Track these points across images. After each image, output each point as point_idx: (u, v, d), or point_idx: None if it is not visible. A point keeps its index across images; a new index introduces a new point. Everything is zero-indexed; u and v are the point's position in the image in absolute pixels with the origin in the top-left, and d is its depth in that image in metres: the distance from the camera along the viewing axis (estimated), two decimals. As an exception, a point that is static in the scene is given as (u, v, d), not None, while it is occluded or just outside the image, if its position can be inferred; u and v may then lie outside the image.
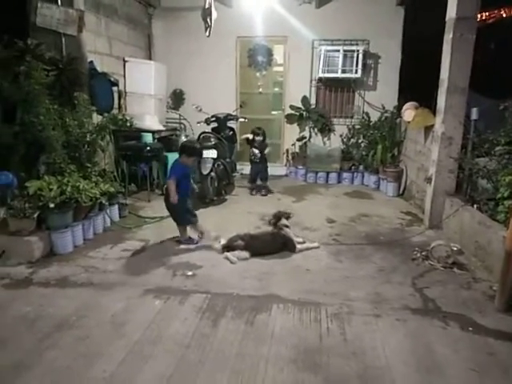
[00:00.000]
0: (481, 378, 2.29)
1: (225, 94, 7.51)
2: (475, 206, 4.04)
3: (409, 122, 5.97)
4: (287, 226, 4.15)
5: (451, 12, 4.30)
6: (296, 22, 7.11)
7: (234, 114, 6.50)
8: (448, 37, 4.35)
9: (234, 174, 6.34)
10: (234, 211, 5.38)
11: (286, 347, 2.50)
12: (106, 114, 5.01)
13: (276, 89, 7.89)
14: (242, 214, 5.25)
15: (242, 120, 6.67)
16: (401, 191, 6.44)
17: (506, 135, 3.75)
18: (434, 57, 4.70)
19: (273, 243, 3.99)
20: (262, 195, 6.20)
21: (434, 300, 3.11)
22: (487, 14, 9.46)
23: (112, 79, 5.75)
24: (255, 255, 3.84)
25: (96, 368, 2.28)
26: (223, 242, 3.98)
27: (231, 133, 6.38)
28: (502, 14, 7.08)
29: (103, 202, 4.33)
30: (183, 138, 6.46)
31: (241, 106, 6.87)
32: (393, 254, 4.01)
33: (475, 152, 4.27)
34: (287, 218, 4.23)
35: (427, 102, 5.51)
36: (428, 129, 5.32)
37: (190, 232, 4.26)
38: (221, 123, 6.21)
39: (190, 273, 3.51)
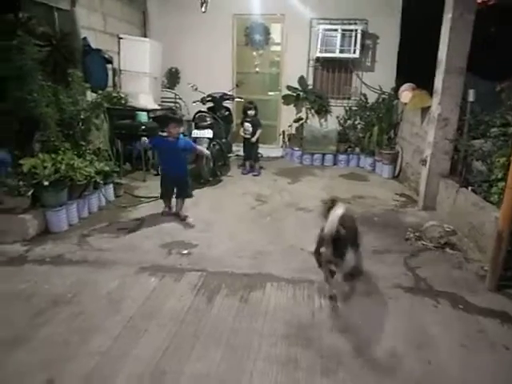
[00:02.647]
0: (470, 354, 2.34)
1: (221, 73, 7.41)
2: (469, 187, 4.06)
3: (406, 104, 5.95)
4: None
5: (451, -9, 4.23)
6: (295, 0, 6.98)
7: (229, 93, 6.42)
8: (447, 16, 4.29)
9: (229, 155, 6.31)
10: (229, 192, 5.38)
11: (279, 323, 2.54)
12: (100, 92, 4.93)
13: (273, 69, 7.78)
14: (237, 194, 5.25)
15: (237, 100, 6.61)
16: (396, 173, 6.45)
17: (501, 117, 3.75)
18: (433, 37, 4.65)
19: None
20: (254, 175, 6.20)
21: (426, 279, 3.16)
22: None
23: (106, 56, 5.66)
24: None
25: (92, 343, 2.31)
26: None
27: (227, 113, 6.32)
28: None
29: (98, 180, 4.31)
30: (179, 118, 6.39)
31: (237, 86, 6.80)
32: (386, 234, 4.05)
33: (471, 134, 4.26)
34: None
35: (425, 83, 5.47)
36: (425, 110, 5.30)
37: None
38: (216, 103, 6.14)
39: (185, 251, 3.53)
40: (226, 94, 6.25)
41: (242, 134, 6.24)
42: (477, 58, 4.41)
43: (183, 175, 4.29)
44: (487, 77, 4.82)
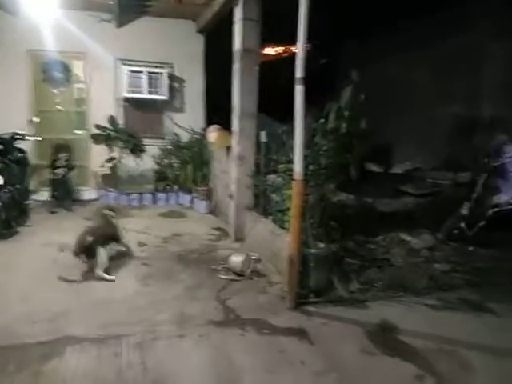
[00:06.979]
0: (273, 376, 2.51)
1: (16, 111, 6.56)
2: (270, 217, 4.52)
3: (212, 144, 6.35)
4: (113, 216, 4.34)
5: (237, 44, 4.77)
6: (95, 39, 6.75)
7: (22, 132, 5.62)
8: (236, 66, 4.80)
9: (27, 202, 5.53)
10: (27, 245, 4.68)
11: (78, 392, 2.26)
12: None
13: (79, 107, 7.31)
14: (37, 247, 4.61)
15: (32, 139, 5.91)
16: (211, 208, 6.75)
17: (284, 155, 4.33)
18: (231, 83, 5.11)
19: (113, 229, 4.21)
20: (68, 210, 6.33)
21: (235, 310, 3.31)
22: (282, 48, 11.02)
23: None
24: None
25: None
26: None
27: (21, 155, 5.53)
28: (292, 50, 8.31)
29: None
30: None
31: (31, 121, 6.08)
32: (200, 269, 4.12)
33: (265, 170, 4.79)
34: (111, 210, 4.43)
35: (228, 124, 5.95)
36: (229, 149, 5.73)
37: None
38: (6, 144, 5.31)
39: (-42, 326, 2.87)
40: (17, 134, 5.46)
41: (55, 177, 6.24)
42: (271, 101, 5.01)
43: None
44: (280, 119, 5.53)
